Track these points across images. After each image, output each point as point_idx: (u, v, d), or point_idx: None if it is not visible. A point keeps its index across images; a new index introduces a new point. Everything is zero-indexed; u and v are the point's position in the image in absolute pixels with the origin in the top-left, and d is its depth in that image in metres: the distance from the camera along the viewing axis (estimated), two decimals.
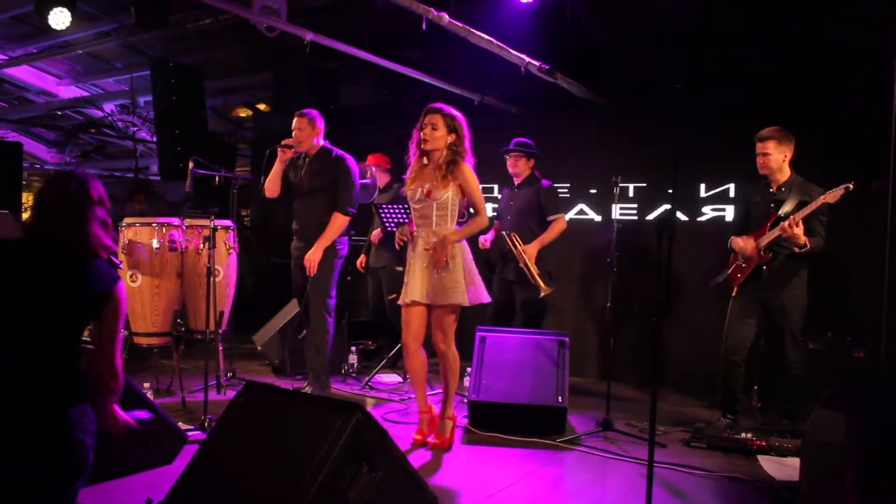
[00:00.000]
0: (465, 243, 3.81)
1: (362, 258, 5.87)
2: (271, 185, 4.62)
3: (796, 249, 3.92)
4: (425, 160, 3.83)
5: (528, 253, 4.77)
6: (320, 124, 4.55)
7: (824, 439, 2.70)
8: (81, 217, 2.12)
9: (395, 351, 5.47)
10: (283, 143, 4.54)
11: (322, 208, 4.48)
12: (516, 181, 5.04)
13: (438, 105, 3.80)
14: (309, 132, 4.50)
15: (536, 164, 5.02)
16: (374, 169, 5.78)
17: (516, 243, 4.79)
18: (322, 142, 4.57)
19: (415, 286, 3.77)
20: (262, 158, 4.69)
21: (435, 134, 3.73)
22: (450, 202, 3.73)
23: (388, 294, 5.62)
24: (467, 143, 3.79)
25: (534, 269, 4.72)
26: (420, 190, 3.77)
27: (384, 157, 5.90)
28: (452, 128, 3.74)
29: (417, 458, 3.63)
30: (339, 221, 4.46)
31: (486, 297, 3.87)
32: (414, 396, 4.18)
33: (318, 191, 4.50)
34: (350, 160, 4.54)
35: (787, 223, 3.86)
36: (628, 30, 5.40)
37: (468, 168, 3.75)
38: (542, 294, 4.70)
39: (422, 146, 3.77)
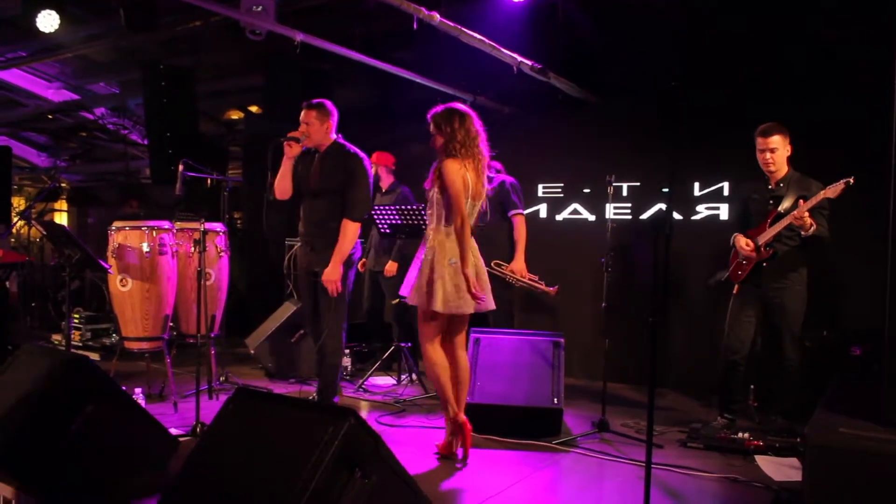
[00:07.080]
0: (424, 245, 3.64)
1: (363, 260, 5.67)
2: (281, 184, 4.05)
3: (803, 233, 3.86)
4: None
5: (517, 269, 4.76)
6: (333, 118, 4.05)
7: (825, 442, 2.67)
8: None
9: (388, 353, 5.42)
10: (288, 135, 3.97)
11: (330, 211, 3.99)
12: None
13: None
14: (318, 125, 4.00)
15: (498, 160, 4.67)
16: (379, 168, 5.57)
17: (503, 270, 4.75)
18: (335, 136, 4.09)
19: None
20: (253, 162, 4.55)
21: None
22: (435, 201, 3.60)
23: (391, 299, 5.50)
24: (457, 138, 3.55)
25: (531, 282, 4.72)
26: None
27: (390, 158, 5.63)
28: (439, 127, 3.58)
29: (412, 463, 3.59)
30: (351, 230, 3.95)
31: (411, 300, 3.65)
32: (408, 399, 4.09)
33: (327, 191, 4.00)
34: (367, 160, 4.06)
35: (797, 212, 3.81)
36: (621, 28, 5.38)
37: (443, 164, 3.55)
38: (553, 295, 4.76)
39: None
